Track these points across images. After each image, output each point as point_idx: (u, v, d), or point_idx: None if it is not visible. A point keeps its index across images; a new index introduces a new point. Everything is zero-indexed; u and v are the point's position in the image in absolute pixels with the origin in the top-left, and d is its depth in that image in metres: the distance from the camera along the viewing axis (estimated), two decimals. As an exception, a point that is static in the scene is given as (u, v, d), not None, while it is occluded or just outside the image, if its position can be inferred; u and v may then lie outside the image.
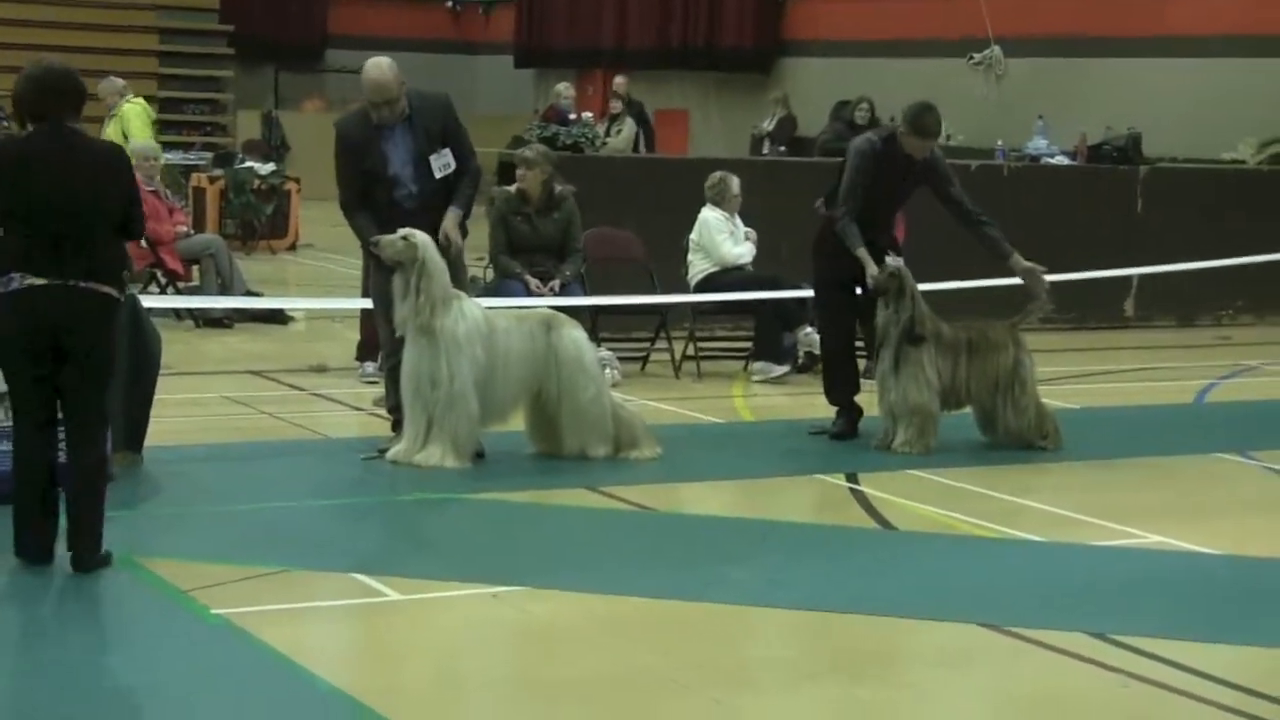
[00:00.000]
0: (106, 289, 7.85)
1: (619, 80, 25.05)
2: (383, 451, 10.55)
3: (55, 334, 7.79)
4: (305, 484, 10.14)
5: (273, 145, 30.05)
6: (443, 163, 10.66)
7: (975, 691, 6.99)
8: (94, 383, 7.92)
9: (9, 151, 8.07)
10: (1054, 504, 10.12)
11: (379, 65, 10.60)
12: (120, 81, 19.54)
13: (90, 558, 7.83)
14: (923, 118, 11.52)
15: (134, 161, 16.78)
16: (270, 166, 24.23)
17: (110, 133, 18.34)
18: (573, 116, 21.48)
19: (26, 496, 7.92)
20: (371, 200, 10.65)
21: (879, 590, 8.21)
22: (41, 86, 7.99)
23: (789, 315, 14.21)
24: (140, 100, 19.36)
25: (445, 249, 10.45)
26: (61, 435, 7.98)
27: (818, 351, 13.57)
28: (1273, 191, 19.25)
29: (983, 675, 7.18)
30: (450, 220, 10.61)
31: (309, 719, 6.42)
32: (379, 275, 10.65)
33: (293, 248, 23.48)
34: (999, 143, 21.19)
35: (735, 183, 14.40)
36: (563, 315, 10.93)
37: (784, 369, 14.00)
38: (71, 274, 7.75)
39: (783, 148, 24.72)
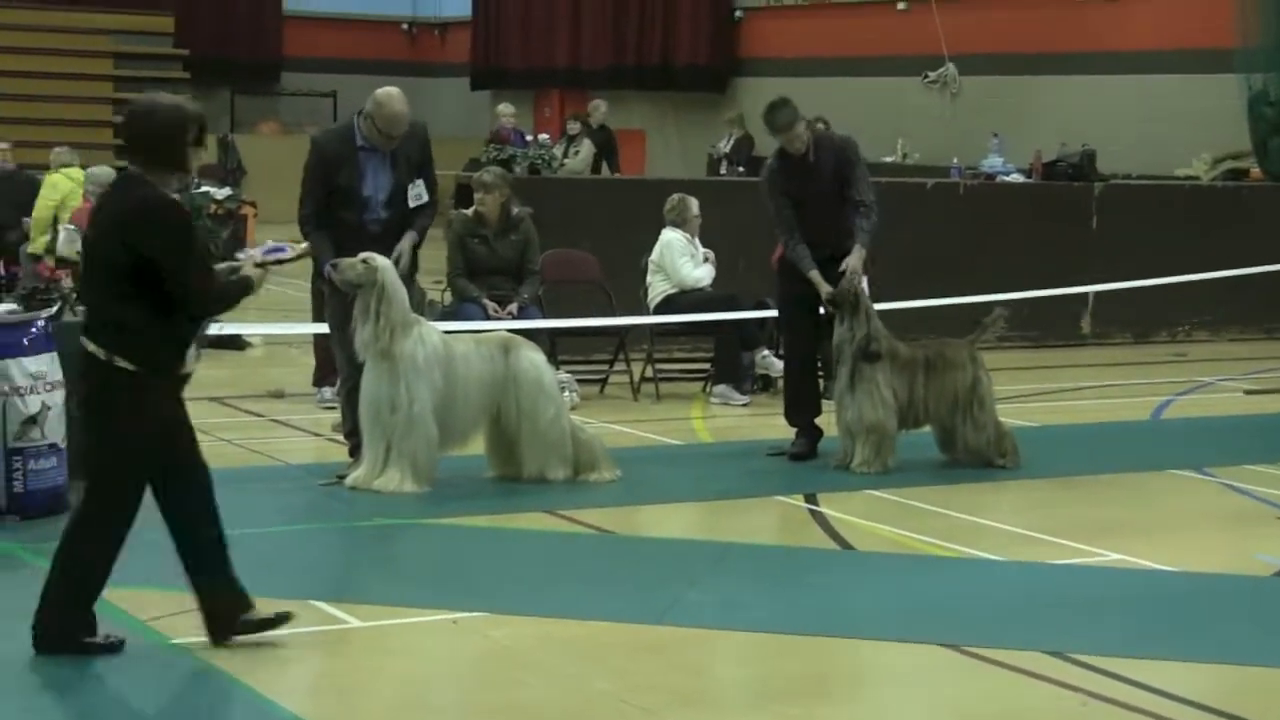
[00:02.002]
0: (98, 350, 7.07)
1: (596, 104, 25.00)
2: (341, 478, 10.53)
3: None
4: (264, 511, 10.09)
5: (228, 169, 29.99)
6: (416, 193, 10.64)
7: (935, 711, 7.00)
8: (94, 453, 7.27)
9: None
10: (1013, 522, 10.14)
11: (396, 98, 10.47)
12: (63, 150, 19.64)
13: (53, 636, 7.18)
14: (770, 114, 11.62)
15: (88, 187, 16.88)
16: (226, 190, 24.09)
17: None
18: (530, 138, 21.47)
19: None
20: (334, 219, 10.55)
21: (839, 611, 8.22)
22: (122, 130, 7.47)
23: (748, 336, 14.22)
24: (76, 169, 19.02)
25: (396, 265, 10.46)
26: None
27: (773, 374, 13.62)
28: (1227, 207, 19.35)
29: (943, 695, 7.19)
30: (407, 241, 10.61)
31: (269, 748, 6.40)
32: (336, 298, 10.61)
33: (249, 272, 23.40)
34: (954, 160, 21.26)
35: (694, 204, 14.42)
36: (521, 338, 10.94)
37: (745, 399, 13.98)
38: (84, 332, 7.19)
39: (740, 168, 24.74)
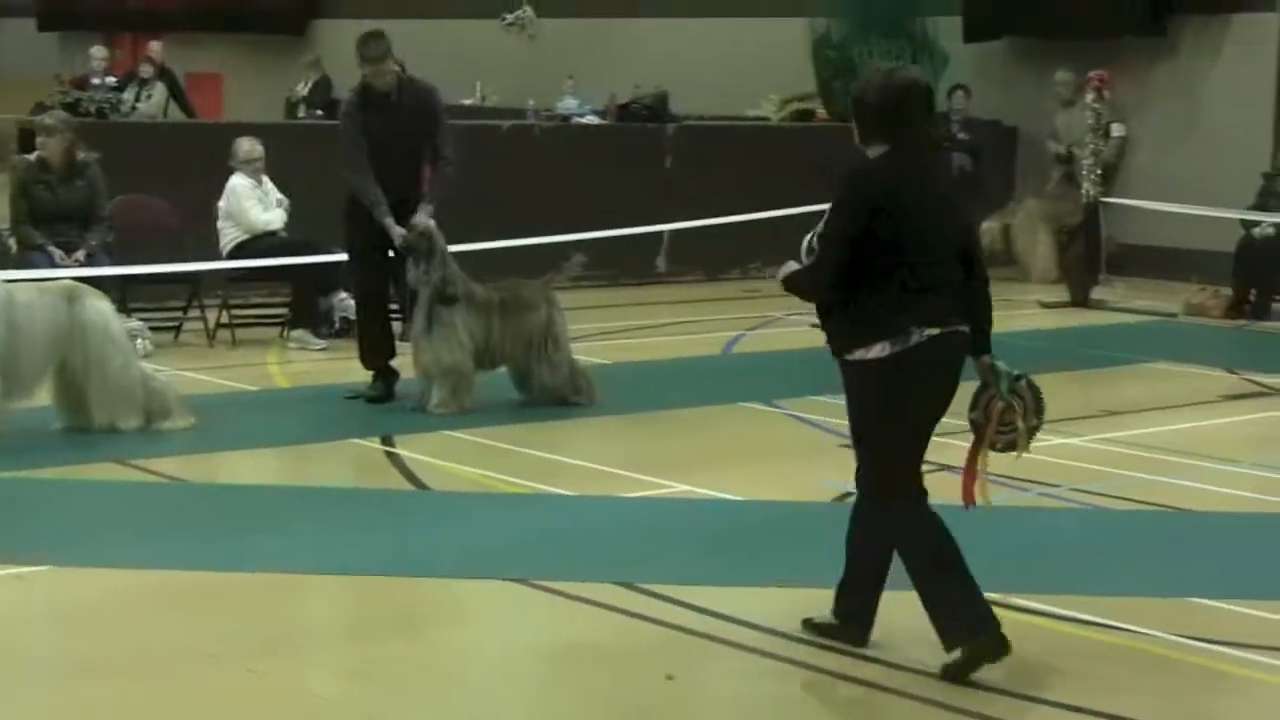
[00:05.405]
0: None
1: (154, 46, 24.48)
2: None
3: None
4: None
5: None
6: None
7: (508, 646, 7.10)
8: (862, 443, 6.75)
9: (881, 177, 6.64)
10: (589, 458, 10.32)
11: None
12: None
13: None
14: (363, 44, 11.64)
15: None
16: None
17: None
18: (97, 81, 20.92)
19: None
20: None
21: (413, 551, 8.27)
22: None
23: (325, 280, 14.16)
24: None
25: None
26: None
27: (353, 317, 13.57)
28: (795, 147, 19.87)
29: (515, 629, 7.30)
30: None
31: None
32: None
33: None
34: (531, 103, 21.40)
35: (259, 147, 14.27)
36: (85, 286, 10.72)
37: (323, 344, 13.92)
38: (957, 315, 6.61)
39: (319, 111, 24.49)
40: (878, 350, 6.46)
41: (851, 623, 6.90)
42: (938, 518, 6.55)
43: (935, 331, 6.46)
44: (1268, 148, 18.74)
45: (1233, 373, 13.69)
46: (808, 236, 6.69)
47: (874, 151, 6.65)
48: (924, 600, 6.58)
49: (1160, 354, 14.46)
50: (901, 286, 6.46)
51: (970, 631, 6.50)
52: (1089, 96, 17.95)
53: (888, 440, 6.57)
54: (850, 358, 6.59)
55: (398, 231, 11.33)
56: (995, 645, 6.50)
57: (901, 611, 6.77)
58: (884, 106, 6.61)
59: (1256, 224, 16.93)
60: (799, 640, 6.99)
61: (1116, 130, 18.89)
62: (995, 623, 6.51)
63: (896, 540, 6.62)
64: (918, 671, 6.63)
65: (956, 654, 6.53)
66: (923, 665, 6.65)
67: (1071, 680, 6.58)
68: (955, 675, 6.52)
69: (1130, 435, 10.85)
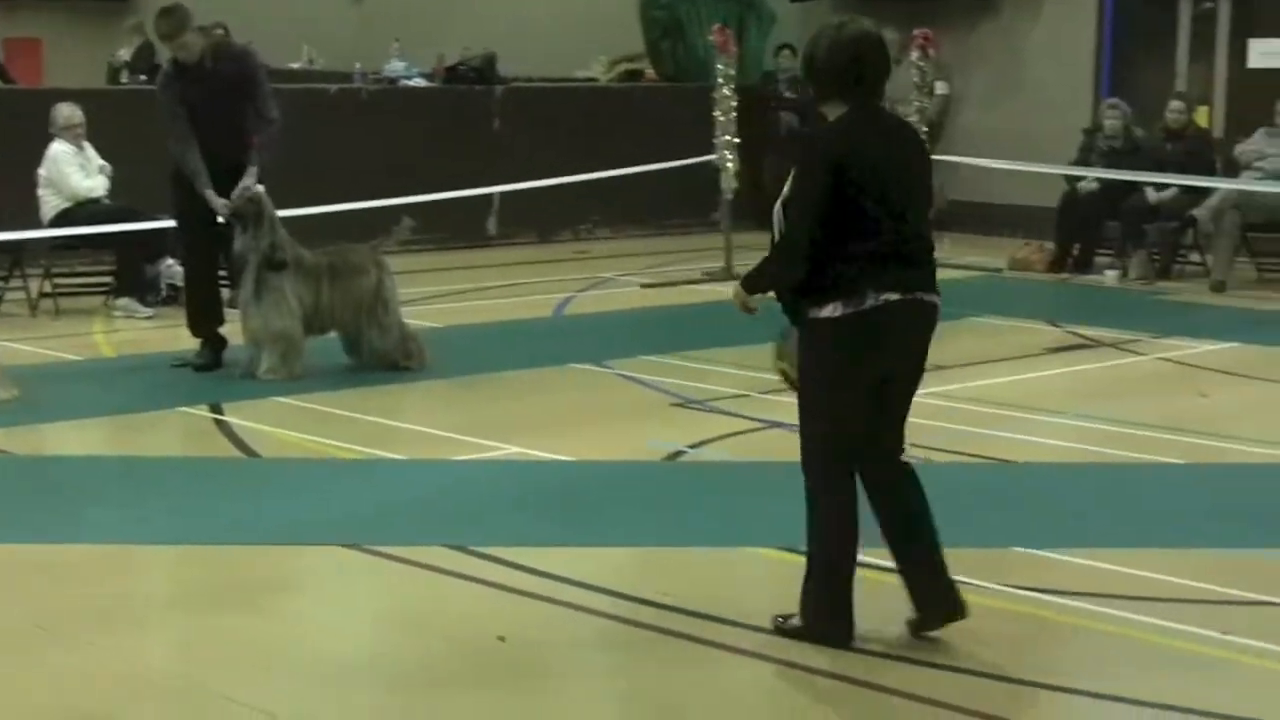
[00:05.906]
0: (937, 298, 6.58)
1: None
2: None
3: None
4: None
5: None
6: None
7: (343, 612, 7.08)
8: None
9: (841, 139, 6.39)
10: (419, 422, 10.30)
11: None
12: None
13: None
14: (157, 21, 11.58)
15: None
16: None
17: None
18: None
19: None
20: None
21: (245, 520, 8.21)
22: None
23: (151, 247, 14.00)
24: None
25: None
26: None
27: (181, 283, 13.43)
28: (623, 108, 19.93)
29: (349, 595, 7.28)
30: None
31: None
32: None
33: None
34: (358, 66, 21.23)
35: (79, 113, 14.07)
36: (-97, 258, 10.53)
37: (149, 311, 13.78)
38: (928, 287, 6.54)
39: (143, 76, 24.12)
40: (830, 310, 6.30)
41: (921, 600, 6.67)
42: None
43: (894, 297, 6.33)
44: (1089, 105, 19.08)
45: (1056, 326, 13.94)
46: (776, 206, 6.57)
47: (833, 112, 6.47)
48: (809, 563, 6.56)
49: (986, 309, 14.66)
50: (867, 251, 6.29)
51: (823, 625, 6.51)
52: (914, 55, 18.11)
53: (835, 400, 6.41)
54: (806, 318, 6.42)
55: (219, 203, 11.25)
56: (839, 640, 6.51)
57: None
58: (834, 64, 6.41)
59: (1080, 179, 17.19)
60: (634, 600, 7.02)
61: (940, 88, 19.07)
62: (849, 623, 6.52)
63: (820, 505, 6.50)
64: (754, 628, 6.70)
65: (797, 621, 6.55)
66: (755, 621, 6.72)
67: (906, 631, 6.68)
68: (782, 631, 6.59)
69: (957, 389, 11.00)
